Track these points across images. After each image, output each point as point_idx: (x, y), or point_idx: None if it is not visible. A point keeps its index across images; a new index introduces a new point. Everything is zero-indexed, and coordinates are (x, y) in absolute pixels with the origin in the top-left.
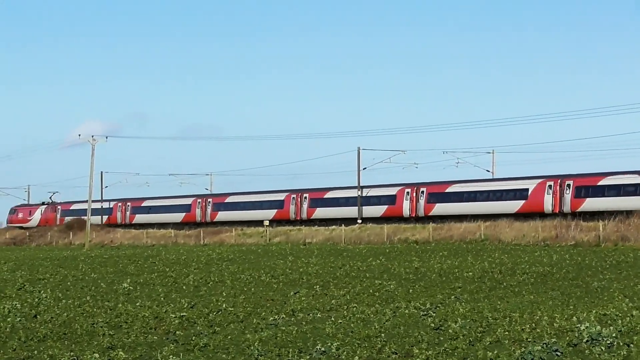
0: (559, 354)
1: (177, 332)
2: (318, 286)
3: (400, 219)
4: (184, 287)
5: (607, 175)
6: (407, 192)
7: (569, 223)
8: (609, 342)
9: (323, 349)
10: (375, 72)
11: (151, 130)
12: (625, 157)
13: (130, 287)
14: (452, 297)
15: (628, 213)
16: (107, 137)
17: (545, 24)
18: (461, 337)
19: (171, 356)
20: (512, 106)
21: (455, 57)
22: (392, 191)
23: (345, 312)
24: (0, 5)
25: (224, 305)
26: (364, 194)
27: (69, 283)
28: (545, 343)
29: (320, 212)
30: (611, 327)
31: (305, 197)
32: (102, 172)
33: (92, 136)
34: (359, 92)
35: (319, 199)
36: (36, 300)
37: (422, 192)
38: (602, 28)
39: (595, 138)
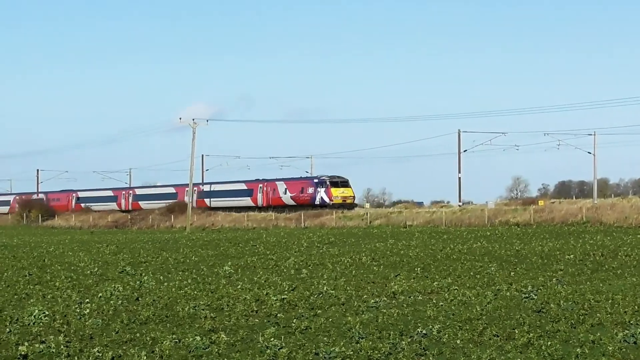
0: None
1: (278, 315)
2: (419, 269)
3: None
4: (285, 270)
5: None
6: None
7: None
8: None
9: (424, 331)
10: (475, 55)
11: (257, 113)
12: None
13: (232, 270)
14: (554, 279)
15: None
16: (207, 121)
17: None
18: (563, 319)
19: (272, 339)
20: (614, 88)
21: (555, 39)
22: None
23: (446, 294)
24: None
25: (324, 288)
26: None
27: (170, 266)
28: None
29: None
30: None
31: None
32: (202, 155)
33: (193, 119)
34: (459, 75)
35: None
36: (138, 283)
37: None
38: None
39: None
